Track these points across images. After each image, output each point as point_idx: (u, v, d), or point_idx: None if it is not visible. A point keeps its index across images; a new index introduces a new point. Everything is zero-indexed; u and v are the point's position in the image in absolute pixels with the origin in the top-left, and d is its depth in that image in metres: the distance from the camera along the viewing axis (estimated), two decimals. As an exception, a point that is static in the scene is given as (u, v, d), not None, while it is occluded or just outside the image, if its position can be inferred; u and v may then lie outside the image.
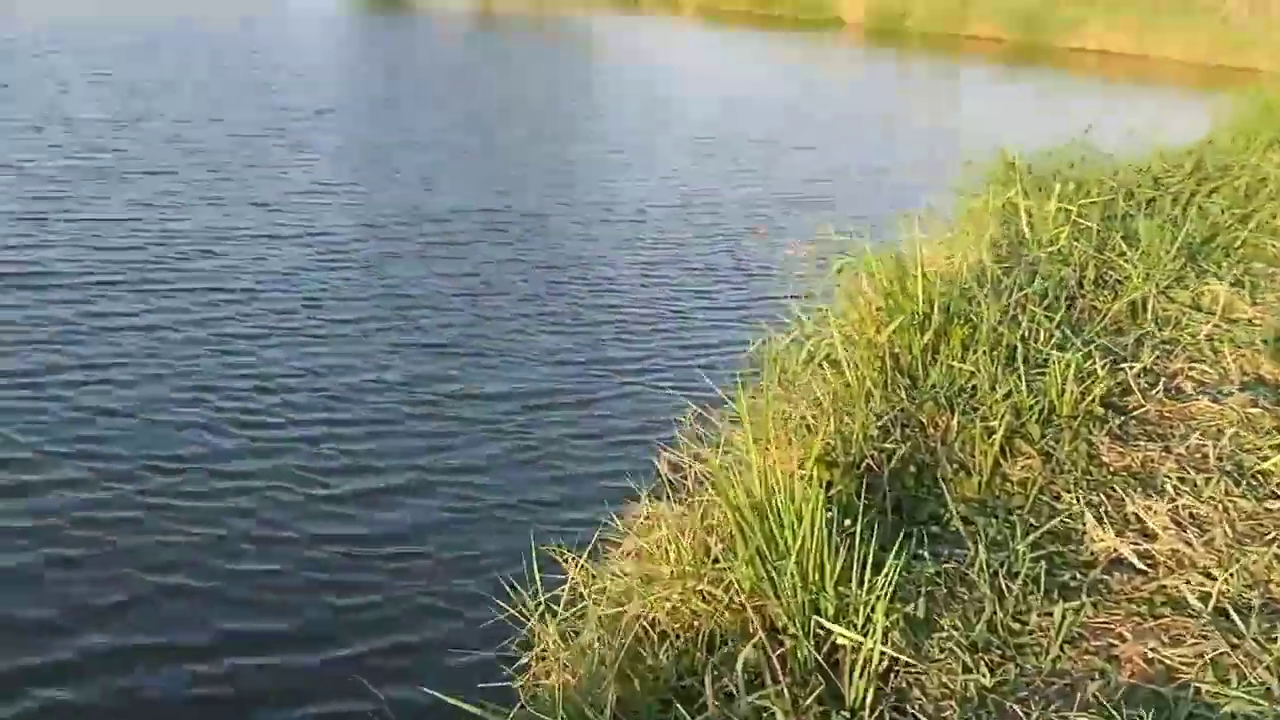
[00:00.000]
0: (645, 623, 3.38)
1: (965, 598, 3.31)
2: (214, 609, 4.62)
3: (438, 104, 16.95)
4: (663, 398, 6.59)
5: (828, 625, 3.02)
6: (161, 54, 19.15)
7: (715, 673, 3.02)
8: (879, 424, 4.20)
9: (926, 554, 3.48)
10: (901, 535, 3.44)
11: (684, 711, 2.91)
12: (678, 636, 3.31)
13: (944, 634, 3.12)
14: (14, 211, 9.29)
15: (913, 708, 2.87)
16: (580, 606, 3.67)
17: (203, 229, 9.29)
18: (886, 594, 3.03)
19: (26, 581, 4.53)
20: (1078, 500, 3.78)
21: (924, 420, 4.28)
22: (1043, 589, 3.30)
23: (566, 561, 3.84)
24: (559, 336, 7.96)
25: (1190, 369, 4.88)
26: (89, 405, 6.12)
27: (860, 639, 2.91)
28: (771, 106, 19.65)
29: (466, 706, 3.03)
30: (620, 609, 3.46)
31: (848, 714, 2.84)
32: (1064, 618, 3.14)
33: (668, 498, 4.09)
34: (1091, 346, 4.70)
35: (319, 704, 3.79)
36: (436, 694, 3.12)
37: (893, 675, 3.01)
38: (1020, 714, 2.79)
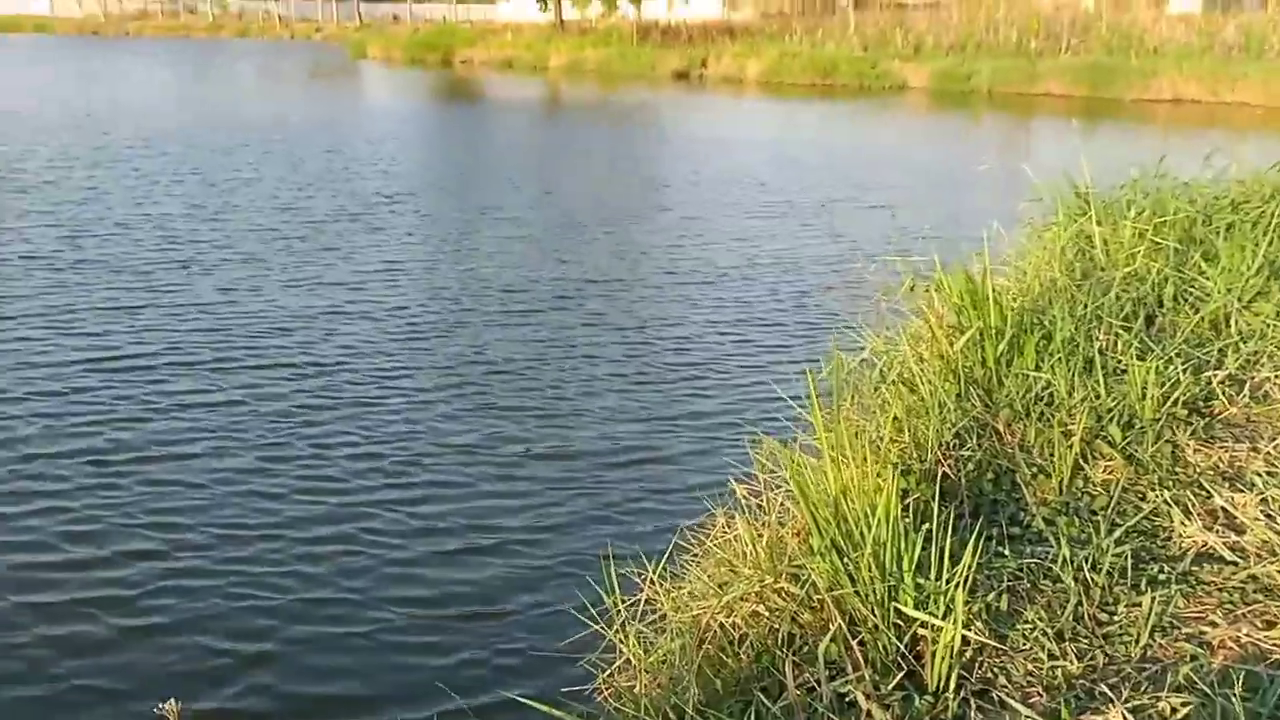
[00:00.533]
0: (724, 625, 3.38)
1: (1049, 590, 3.25)
2: (301, 644, 4.69)
3: (508, 184, 17.29)
4: (738, 441, 6.61)
5: (908, 612, 2.98)
6: (243, 153, 19.87)
7: (796, 667, 3.00)
8: (953, 433, 4.17)
9: (1007, 551, 3.44)
10: (980, 535, 3.39)
11: (765, 702, 2.89)
12: (756, 637, 3.30)
13: (1028, 624, 3.07)
14: (101, 300, 9.66)
15: (997, 693, 2.82)
16: (659, 614, 3.68)
17: (278, 309, 9.51)
18: (966, 582, 2.99)
19: (106, 652, 4.55)
20: (1163, 498, 3.70)
21: (999, 428, 4.24)
22: (1129, 581, 3.23)
23: (645, 572, 3.86)
24: (633, 390, 8.04)
25: (1277, 376, 4.77)
26: (165, 479, 6.18)
27: (941, 623, 2.87)
28: (841, 169, 19.77)
29: (553, 711, 3.05)
30: (698, 614, 3.46)
31: (930, 699, 2.80)
32: (1153, 607, 3.06)
33: (743, 511, 4.09)
34: (1173, 354, 4.63)
35: (406, 710, 3.83)
36: (522, 699, 3.14)
37: (976, 665, 2.96)
38: (1111, 697, 2.72)
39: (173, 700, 1.89)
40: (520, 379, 8.16)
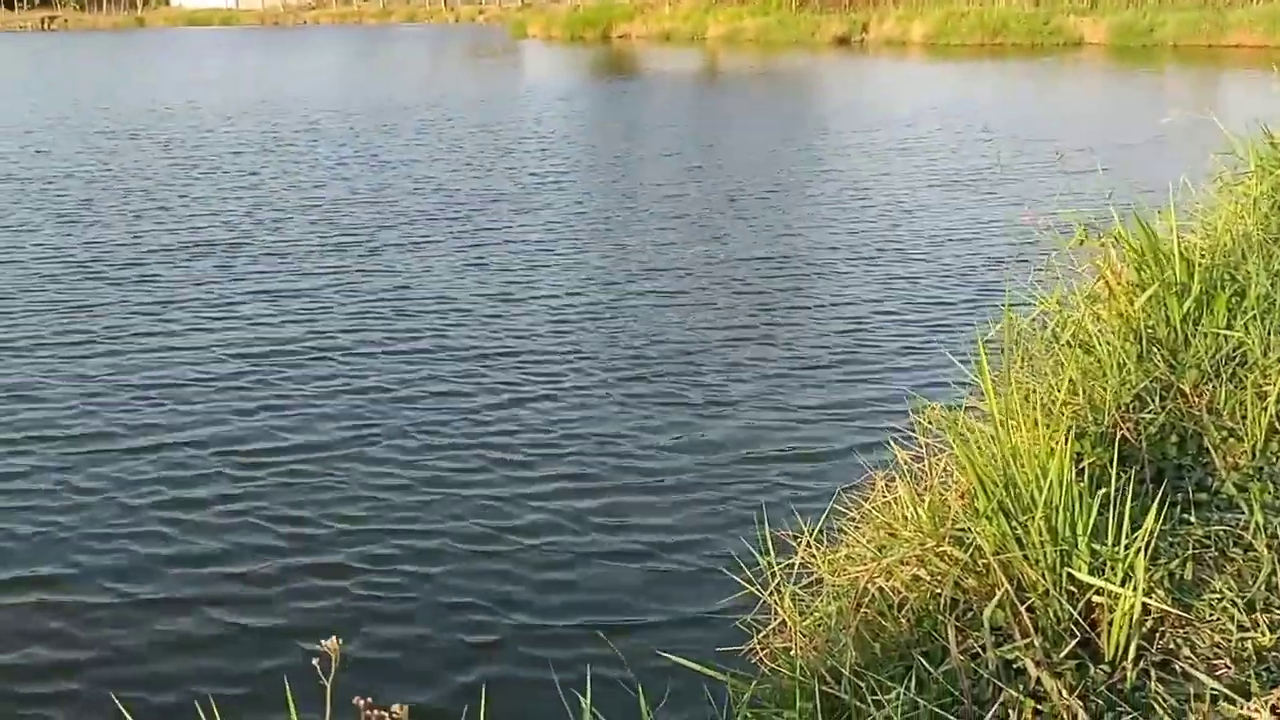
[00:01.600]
0: (882, 589, 3.27)
1: (1239, 559, 3.02)
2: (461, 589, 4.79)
3: (668, 160, 17.15)
4: (899, 404, 6.42)
5: (1083, 578, 2.81)
6: (407, 135, 20.24)
7: (959, 632, 2.87)
8: (1133, 395, 3.92)
9: (1193, 518, 3.22)
10: (1163, 500, 3.18)
11: (927, 667, 2.78)
12: (917, 602, 3.18)
13: (1215, 594, 2.86)
14: (258, 283, 9.87)
15: (1180, 664, 2.63)
16: (814, 577, 3.59)
17: (432, 293, 9.48)
18: (1147, 548, 2.80)
19: (220, 647, 4.56)
20: (1373, 463, 3.39)
21: (1185, 389, 3.97)
22: (1332, 550, 2.97)
23: (800, 535, 3.78)
24: (793, 352, 7.91)
25: None
26: (307, 464, 6.16)
27: (1119, 590, 2.70)
28: (1015, 132, 18.95)
29: (709, 672, 3.01)
30: (856, 577, 3.36)
31: (1107, 669, 2.63)
32: (1358, 578, 2.80)
33: (903, 474, 3.95)
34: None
35: (565, 672, 3.86)
36: (679, 660, 3.11)
37: (1157, 635, 2.77)
38: (1310, 672, 2.50)
39: (334, 638, 1.90)
40: (681, 341, 8.15)
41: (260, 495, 5.73)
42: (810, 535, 3.76)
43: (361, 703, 1.87)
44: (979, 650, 2.81)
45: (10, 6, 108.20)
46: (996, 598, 2.86)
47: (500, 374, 7.55)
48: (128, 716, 2.43)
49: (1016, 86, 28.89)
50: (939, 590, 3.13)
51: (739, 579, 3.78)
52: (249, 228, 12.28)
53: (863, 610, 3.21)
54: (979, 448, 3.30)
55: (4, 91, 31.43)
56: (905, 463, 4.11)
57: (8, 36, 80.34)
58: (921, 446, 4.25)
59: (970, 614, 3.02)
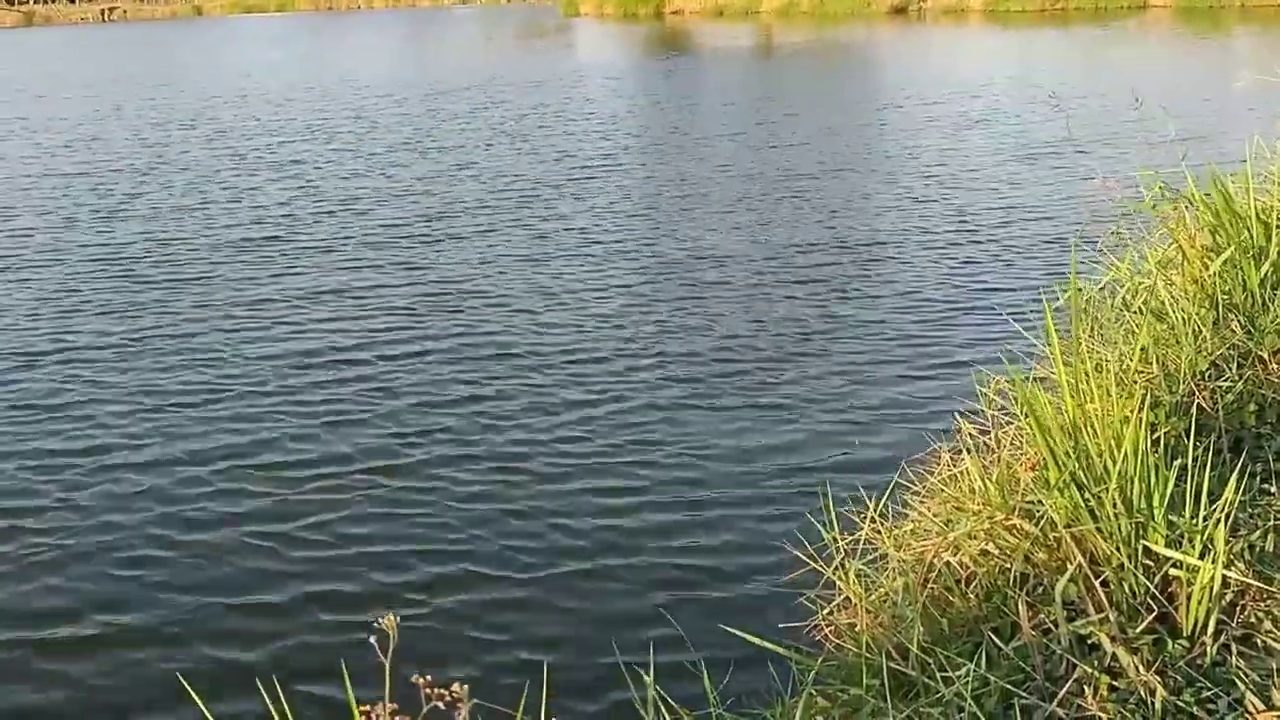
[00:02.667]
0: (949, 564, 3.20)
1: (1326, 531, 2.90)
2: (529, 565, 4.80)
3: (725, 139, 16.89)
4: (963, 375, 6.31)
5: (1159, 551, 2.72)
6: (460, 118, 20.41)
7: (1030, 608, 2.80)
8: (1209, 362, 3.80)
9: (1274, 488, 3.10)
10: (1242, 470, 3.07)
11: (997, 643, 2.71)
12: (985, 576, 3.10)
13: (1301, 567, 2.75)
14: (315, 285, 9.58)
15: (1262, 638, 2.54)
16: (879, 552, 3.53)
17: (486, 286, 9.22)
18: (1227, 519, 2.70)
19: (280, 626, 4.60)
20: None
21: (1265, 356, 3.83)
22: None
23: (864, 510, 3.71)
24: (854, 325, 7.83)
25: None
26: (373, 439, 6.27)
27: (1197, 563, 2.61)
28: (1081, 98, 18.52)
29: (774, 648, 2.97)
30: (922, 551, 3.29)
31: (1185, 643, 2.55)
32: None
33: (969, 447, 3.86)
34: None
35: (627, 650, 3.84)
36: (744, 635, 3.07)
37: (1237, 609, 2.67)
38: (1402, 648, 2.40)
39: (391, 615, 1.89)
40: (744, 316, 8.11)
41: (313, 493, 5.75)
42: (875, 510, 3.69)
43: (421, 680, 1.85)
44: (1051, 626, 2.73)
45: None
46: (1069, 572, 2.79)
47: (562, 356, 7.54)
48: (190, 691, 2.44)
49: (1081, 53, 28.26)
50: (1008, 565, 3.05)
51: (802, 555, 3.72)
52: (301, 220, 12.12)
53: (930, 586, 3.15)
54: (1049, 418, 3.21)
55: (60, 84, 32.01)
56: (971, 435, 4.02)
57: (69, 29, 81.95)
58: (988, 418, 4.16)
59: (1041, 589, 2.95)
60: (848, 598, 3.45)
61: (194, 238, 11.39)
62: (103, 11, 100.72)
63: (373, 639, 1.89)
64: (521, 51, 39.66)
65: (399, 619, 1.89)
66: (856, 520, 3.79)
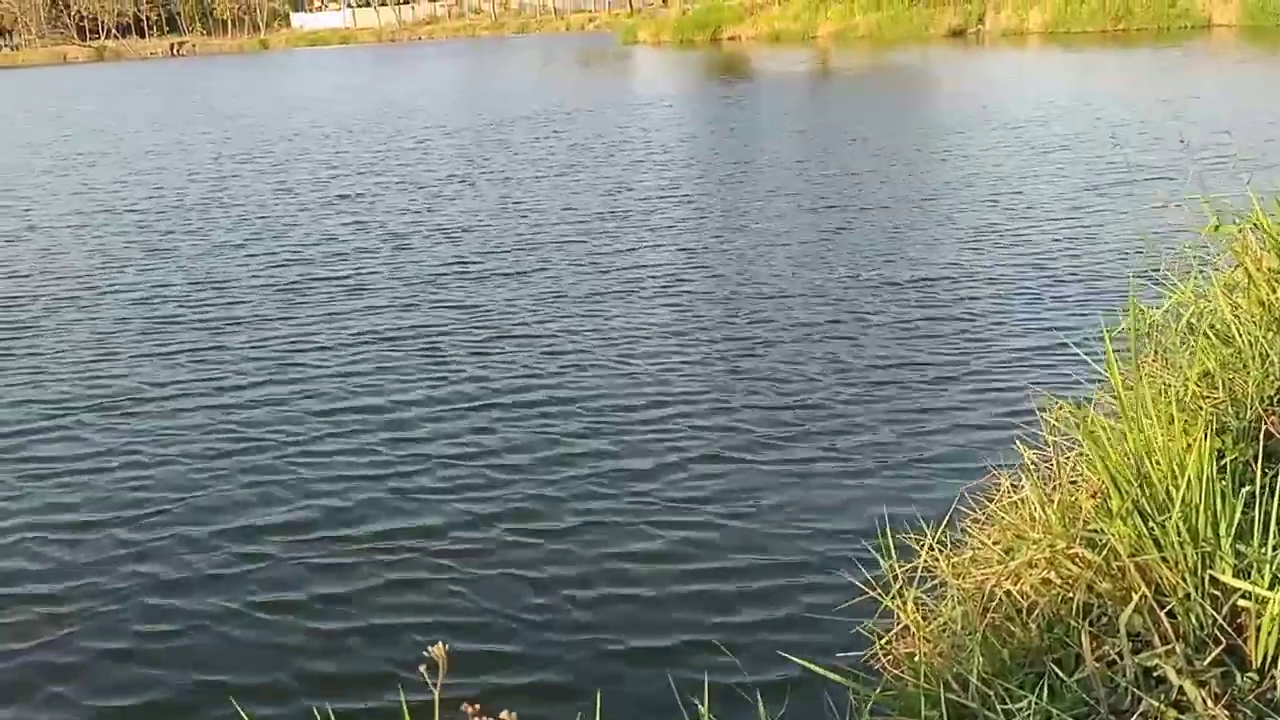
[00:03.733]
0: (1010, 593, 3.15)
1: (1404, 561, 2.81)
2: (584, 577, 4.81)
3: (785, 167, 16.77)
4: (1022, 401, 6.23)
5: (1227, 581, 2.66)
6: (517, 147, 20.56)
7: (1094, 639, 2.74)
8: (1277, 387, 3.71)
9: (1350, 518, 3.01)
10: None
11: (1059, 675, 2.66)
12: (1047, 606, 3.05)
13: (1377, 599, 2.66)
14: (380, 321, 9.60)
15: (1339, 673, 2.46)
16: (938, 580, 3.48)
17: (541, 321, 9.08)
18: (1299, 550, 2.63)
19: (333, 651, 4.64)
20: None
21: (1335, 380, 3.73)
22: None
23: (922, 538, 3.67)
24: (912, 350, 7.76)
25: None
26: (455, 452, 6.50)
27: (1268, 594, 2.54)
28: (1148, 121, 18.24)
29: (830, 676, 2.94)
30: (981, 580, 3.24)
31: (1254, 676, 2.48)
32: None
33: (1029, 474, 3.81)
34: None
35: (681, 675, 3.83)
36: (800, 661, 3.05)
37: (1313, 642, 2.60)
38: None
39: (440, 643, 1.90)
40: (801, 340, 8.08)
41: (383, 506, 5.86)
42: (933, 538, 3.65)
43: (470, 709, 1.85)
44: (1115, 658, 2.68)
45: (142, 34, 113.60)
46: (1134, 602, 2.73)
47: (621, 385, 7.55)
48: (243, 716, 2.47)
49: (1144, 75, 27.85)
50: (1071, 594, 3.00)
51: (859, 582, 3.69)
52: (351, 257, 11.99)
53: (990, 615, 3.10)
54: (1110, 445, 3.16)
55: (123, 119, 32.90)
56: (1031, 462, 3.96)
57: (139, 65, 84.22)
58: (1048, 445, 4.10)
59: (1105, 619, 2.89)
60: (906, 626, 3.41)
61: (244, 277, 11.37)
62: (171, 46, 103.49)
63: (422, 668, 1.90)
64: (579, 80, 40.01)
65: (447, 647, 1.90)
66: (915, 547, 3.75)
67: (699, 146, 19.81)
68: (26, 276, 11.89)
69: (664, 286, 10.00)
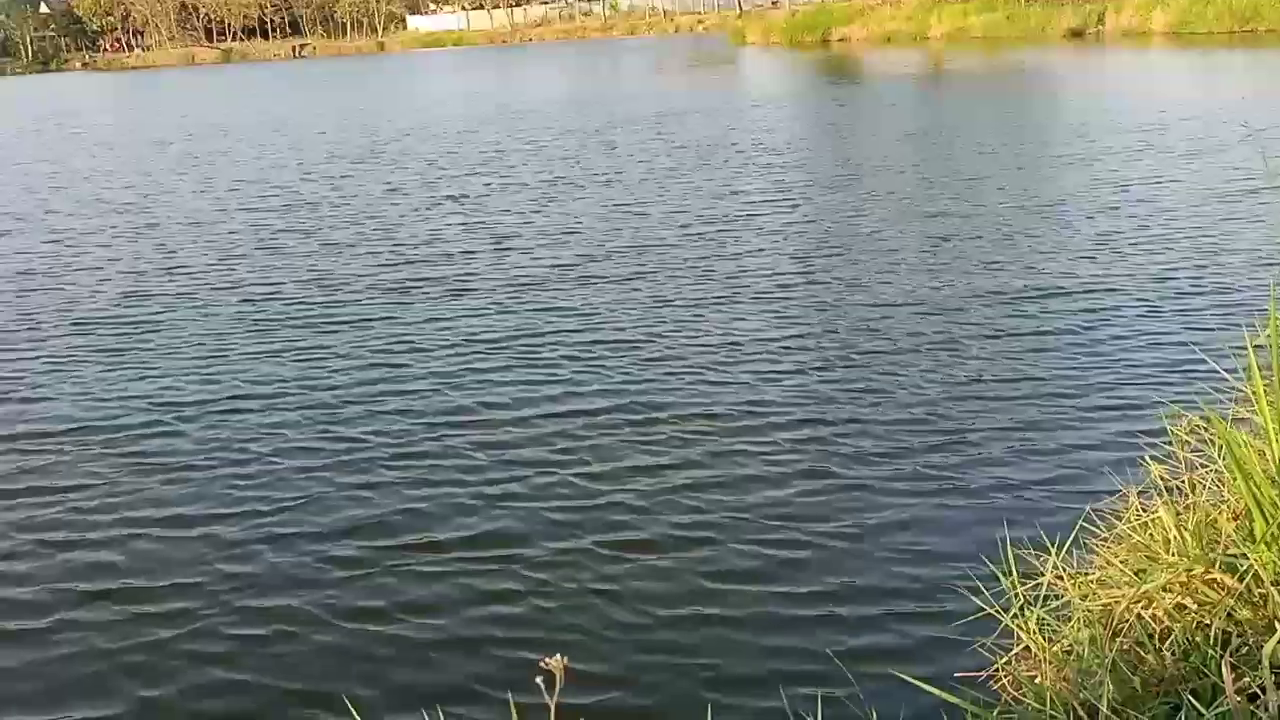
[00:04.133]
0: (1141, 617, 3.00)
1: None
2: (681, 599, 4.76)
3: (899, 173, 16.29)
4: (1153, 415, 5.98)
5: (1383, 615, 2.49)
6: (626, 149, 20.55)
7: (1234, 670, 2.59)
8: None
9: None
10: None
11: (1197, 707, 2.52)
12: (1182, 633, 2.89)
13: None
14: (488, 328, 9.44)
15: None
16: (1061, 600, 3.34)
17: (648, 330, 8.91)
18: None
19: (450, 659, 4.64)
20: None
21: None
22: None
23: (1045, 556, 3.52)
24: (1036, 360, 7.53)
25: None
26: (542, 453, 6.55)
27: None
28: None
29: (947, 697, 2.84)
30: (1109, 603, 3.10)
31: None
32: None
33: (1161, 492, 3.64)
34: None
35: (793, 693, 3.75)
36: (914, 682, 2.95)
37: None
38: None
39: (559, 655, 1.87)
40: (918, 352, 7.90)
41: (484, 520, 5.88)
42: (1057, 556, 3.50)
43: None
44: (1258, 691, 2.53)
45: (266, 36, 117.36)
46: (1278, 633, 2.57)
47: (721, 395, 7.46)
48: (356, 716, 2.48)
49: (1276, 78, 26.67)
50: (1208, 622, 2.85)
51: (978, 600, 3.56)
52: (459, 260, 12.01)
53: (1119, 639, 2.96)
54: (1253, 464, 2.99)
55: (249, 120, 33.93)
56: (1162, 479, 3.78)
57: (263, 65, 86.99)
58: (1180, 461, 3.91)
59: (1246, 650, 2.73)
60: (1027, 647, 3.28)
61: (350, 277, 11.50)
62: (294, 48, 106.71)
63: (539, 679, 1.87)
64: (688, 81, 39.97)
65: (565, 660, 1.86)
66: (1036, 565, 3.60)
67: (807, 150, 19.57)
68: (143, 274, 12.26)
69: (766, 293, 9.85)
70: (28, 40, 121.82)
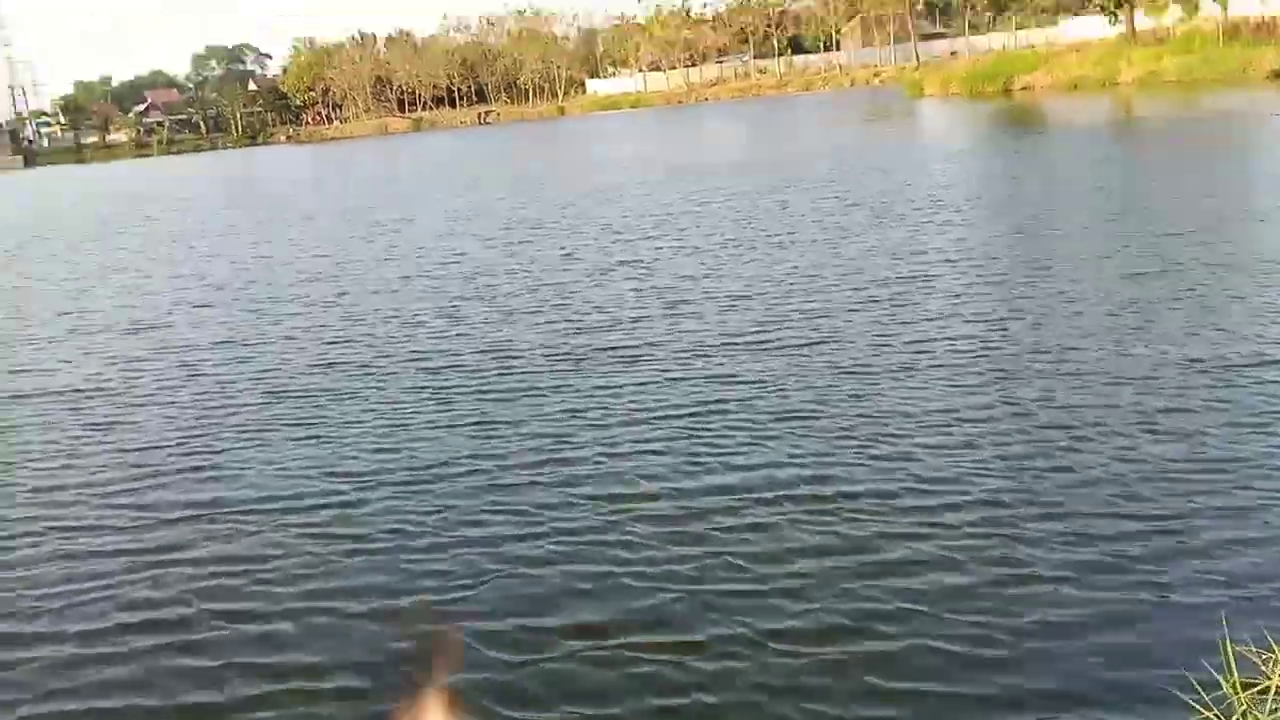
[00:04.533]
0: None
1: None
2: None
3: (1087, 230, 15.41)
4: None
5: None
6: (800, 210, 20.37)
7: None
8: None
9: None
10: None
11: None
12: None
13: None
14: (640, 406, 9.84)
15: None
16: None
17: (816, 403, 8.69)
18: None
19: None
20: None
21: None
22: None
23: (1271, 654, 3.15)
24: (1256, 437, 6.96)
25: None
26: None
27: None
28: None
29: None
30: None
31: None
32: None
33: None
34: None
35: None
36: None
37: None
38: None
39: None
40: (1098, 434, 7.43)
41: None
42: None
43: None
44: None
45: (453, 104, 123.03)
46: None
47: (894, 474, 7.22)
48: None
49: None
50: None
51: (1194, 701, 3.21)
52: (639, 321, 12.16)
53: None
54: None
55: (433, 188, 35.33)
56: None
57: (450, 132, 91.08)
58: None
59: None
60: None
61: (524, 346, 11.60)
62: (479, 115, 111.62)
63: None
64: (865, 137, 39.60)
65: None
66: (1261, 666, 3.24)
67: (988, 206, 18.87)
68: (331, 343, 12.74)
69: (944, 362, 9.43)
70: (238, 115, 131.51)
